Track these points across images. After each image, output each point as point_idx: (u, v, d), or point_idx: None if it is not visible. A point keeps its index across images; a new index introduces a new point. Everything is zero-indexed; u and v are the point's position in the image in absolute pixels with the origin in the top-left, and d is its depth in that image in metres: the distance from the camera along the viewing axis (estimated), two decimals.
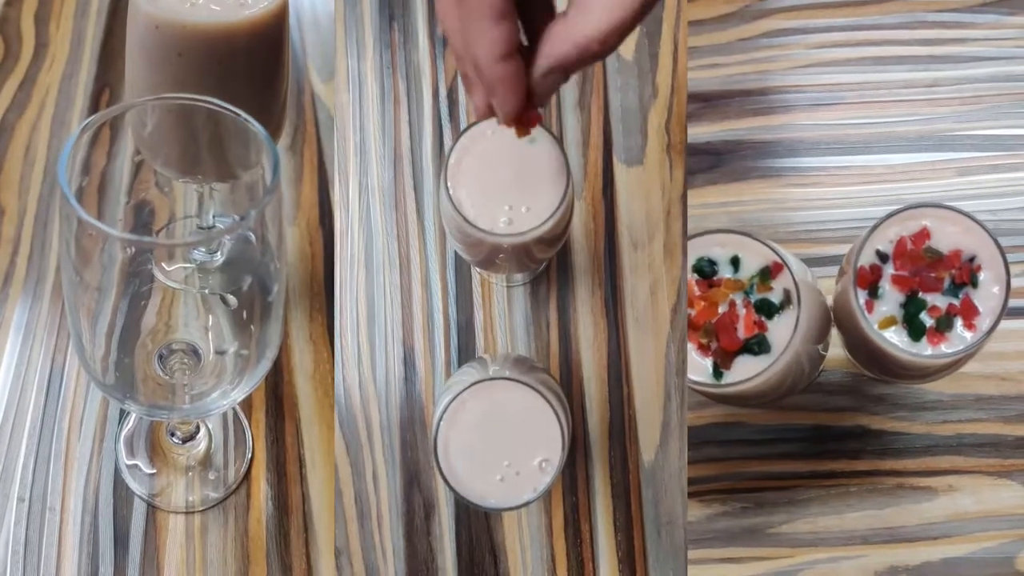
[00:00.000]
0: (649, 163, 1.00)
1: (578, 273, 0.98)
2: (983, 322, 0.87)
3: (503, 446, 0.82)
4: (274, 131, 0.85)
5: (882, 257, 0.89)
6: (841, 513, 0.95)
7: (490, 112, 0.73)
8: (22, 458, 0.85)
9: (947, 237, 0.89)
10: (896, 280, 0.88)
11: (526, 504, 0.81)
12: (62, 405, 0.87)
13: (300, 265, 0.94)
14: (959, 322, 0.87)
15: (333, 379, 0.89)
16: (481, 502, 0.81)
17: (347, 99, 1.01)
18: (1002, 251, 0.87)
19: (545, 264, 0.96)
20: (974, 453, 0.97)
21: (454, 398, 0.82)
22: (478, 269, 0.95)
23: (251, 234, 0.67)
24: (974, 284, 0.88)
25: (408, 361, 0.94)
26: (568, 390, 0.94)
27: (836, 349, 0.96)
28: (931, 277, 0.88)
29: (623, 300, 0.97)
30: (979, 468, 0.97)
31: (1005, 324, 0.97)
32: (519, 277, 0.96)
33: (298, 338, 0.91)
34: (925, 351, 0.87)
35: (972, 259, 0.89)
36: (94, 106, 1.00)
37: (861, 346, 0.90)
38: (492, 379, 0.82)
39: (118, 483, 0.84)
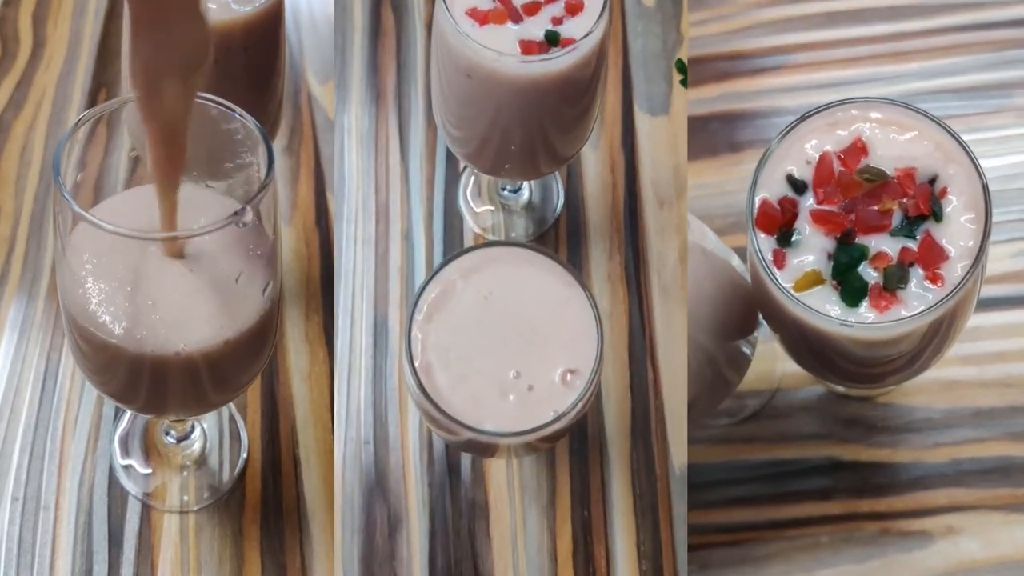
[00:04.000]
0: (676, 113, 0.90)
1: (593, 233, 0.86)
2: (953, 270, 0.62)
3: (510, 349, 0.62)
4: (269, 130, 0.86)
5: (796, 185, 0.64)
6: (810, 571, 0.78)
7: None
8: (16, 456, 0.86)
9: (893, 150, 0.64)
10: (819, 218, 0.63)
11: (542, 430, 0.61)
12: (57, 404, 0.88)
13: (296, 265, 0.95)
14: (918, 273, 0.63)
15: (329, 379, 0.89)
16: (477, 426, 0.61)
17: (327, 30, 0.94)
18: (976, 162, 0.64)
19: (553, 221, 0.87)
20: (977, 483, 0.80)
21: (439, 272, 0.63)
22: (470, 202, 0.84)
23: (242, 224, 0.67)
24: (937, 216, 0.63)
25: (379, 332, 0.83)
26: None
27: (794, 365, 0.75)
28: (872, 211, 0.63)
29: (647, 266, 0.85)
30: (984, 502, 0.80)
31: (1005, 317, 0.85)
32: (521, 225, 0.84)
33: (294, 338, 0.91)
34: (867, 319, 0.62)
35: (933, 179, 0.63)
36: (91, 106, 1.03)
37: (782, 327, 0.67)
38: (498, 245, 0.63)
39: (112, 482, 0.86)
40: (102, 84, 1.04)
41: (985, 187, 0.64)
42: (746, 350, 0.73)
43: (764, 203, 0.64)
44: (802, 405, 0.82)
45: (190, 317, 0.68)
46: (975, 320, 0.81)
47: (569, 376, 0.63)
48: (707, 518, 0.79)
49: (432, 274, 0.64)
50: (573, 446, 0.83)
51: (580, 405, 0.60)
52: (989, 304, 0.86)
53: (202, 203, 0.71)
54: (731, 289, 0.69)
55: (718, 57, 0.92)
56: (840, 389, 0.83)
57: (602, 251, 0.86)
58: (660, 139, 0.89)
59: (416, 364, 0.61)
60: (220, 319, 0.68)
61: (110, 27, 1.07)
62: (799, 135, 0.64)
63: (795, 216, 0.64)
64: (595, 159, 0.89)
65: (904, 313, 0.62)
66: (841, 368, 0.69)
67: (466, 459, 0.83)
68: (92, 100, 1.03)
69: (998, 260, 0.86)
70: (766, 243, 0.64)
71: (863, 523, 0.80)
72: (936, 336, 0.65)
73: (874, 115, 0.65)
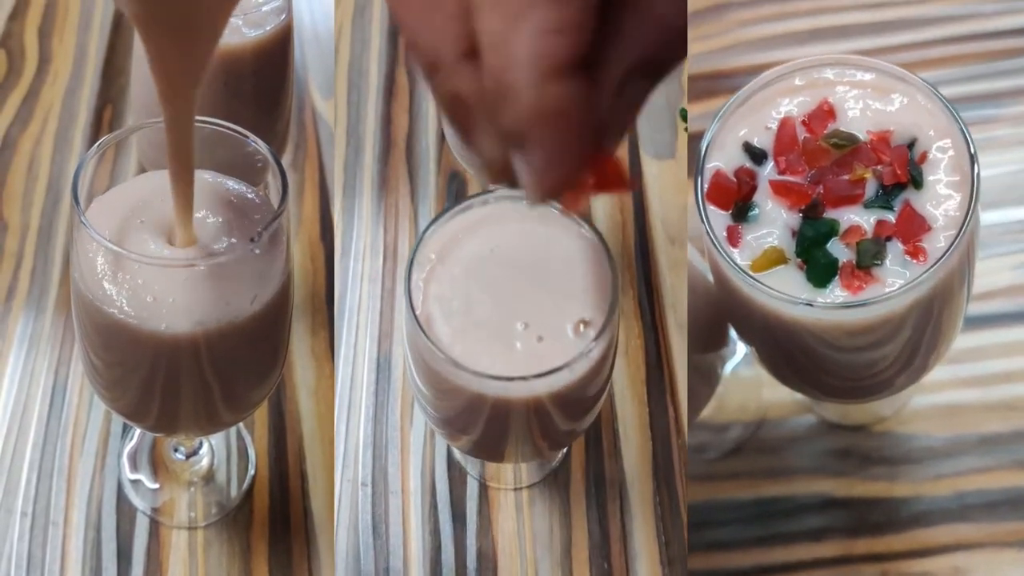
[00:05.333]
0: (682, 157, 0.90)
1: None
2: (936, 241, 0.55)
3: (518, 300, 0.59)
4: (277, 148, 0.86)
5: (755, 154, 0.57)
6: None
7: (507, 174, 0.43)
8: (25, 472, 0.86)
9: (865, 112, 0.57)
10: (781, 189, 0.56)
11: (551, 374, 0.56)
12: (65, 419, 0.88)
13: (301, 281, 0.95)
14: (897, 247, 0.55)
15: (335, 394, 0.89)
16: (484, 370, 0.57)
17: (344, 85, 0.96)
18: (960, 120, 0.57)
19: None
20: (984, 516, 0.73)
21: (441, 221, 0.58)
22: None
23: (256, 250, 0.67)
24: (917, 183, 0.55)
25: (381, 368, 0.83)
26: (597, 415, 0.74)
27: (782, 390, 0.68)
28: (842, 181, 0.55)
29: (662, 301, 0.83)
30: (993, 538, 0.72)
31: (1008, 335, 0.79)
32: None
33: (300, 353, 0.91)
34: (836, 300, 0.54)
35: (912, 143, 0.57)
36: (97, 122, 1.02)
37: (745, 322, 0.59)
38: (505, 198, 0.57)
39: (121, 498, 0.86)
40: (108, 100, 1.04)
41: (970, 145, 0.57)
42: (715, 364, 0.68)
43: (717, 174, 0.56)
44: (790, 436, 0.76)
45: (204, 301, 0.67)
46: (976, 339, 0.79)
47: (583, 327, 0.59)
48: (688, 564, 0.72)
49: (432, 220, 0.61)
50: (589, 489, 0.79)
51: (595, 353, 0.56)
52: (990, 321, 0.80)
53: (209, 187, 0.71)
54: (697, 291, 0.64)
55: (703, 76, 0.90)
56: (829, 415, 0.77)
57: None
58: (667, 181, 0.89)
59: (417, 314, 0.58)
60: (234, 303, 0.68)
61: (115, 42, 1.08)
62: (757, 101, 0.57)
63: (753, 189, 0.56)
64: (603, 199, 0.90)
65: (886, 292, 0.54)
66: (815, 375, 0.61)
67: (472, 503, 0.81)
68: (98, 116, 1.03)
69: (997, 273, 0.81)
70: (719, 219, 0.56)
71: (860, 566, 0.73)
72: (925, 327, 0.57)
73: (843, 76, 0.57)
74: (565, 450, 0.83)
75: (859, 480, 0.74)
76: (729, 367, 0.77)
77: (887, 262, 0.55)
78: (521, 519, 0.80)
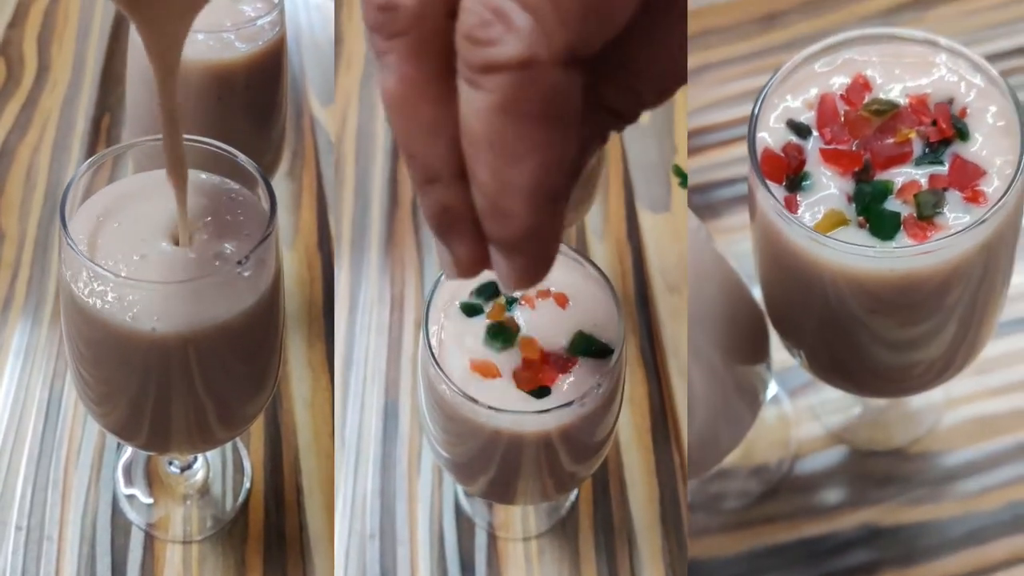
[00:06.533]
0: (677, 210, 0.93)
1: None
2: (992, 183, 0.55)
3: (528, 335, 0.61)
4: (272, 161, 0.86)
5: (799, 130, 0.58)
6: None
7: (482, 265, 0.49)
8: (20, 485, 0.85)
9: (899, 81, 0.58)
10: (831, 157, 0.56)
11: (562, 409, 0.58)
12: (60, 432, 0.87)
13: (298, 291, 0.94)
14: (955, 196, 0.55)
15: (332, 407, 0.88)
16: (499, 405, 0.59)
17: (352, 146, 0.98)
18: (992, 73, 0.58)
19: None
20: None
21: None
22: None
23: (245, 272, 0.66)
24: (963, 135, 0.56)
25: (389, 416, 0.83)
26: (603, 459, 0.72)
27: (812, 425, 0.68)
28: (888, 144, 0.56)
29: (663, 347, 0.85)
30: None
31: None
32: None
33: (296, 365, 0.90)
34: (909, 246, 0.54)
35: (950, 101, 0.57)
36: (95, 131, 1.01)
37: (802, 302, 0.59)
38: None
39: (116, 512, 0.85)
40: (106, 109, 1.03)
41: (1012, 93, 0.56)
42: (757, 386, 0.64)
43: (766, 150, 0.57)
44: (825, 471, 0.72)
45: (191, 314, 0.66)
46: (1002, 346, 0.75)
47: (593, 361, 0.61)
48: None
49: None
50: (598, 538, 0.79)
51: (604, 389, 0.58)
52: (1016, 327, 0.77)
53: (208, 188, 0.70)
54: (739, 295, 0.63)
55: (705, 130, 0.91)
56: (861, 441, 0.73)
57: None
58: (663, 232, 0.92)
59: (435, 353, 0.60)
60: (223, 306, 0.67)
61: (114, 50, 1.07)
62: (792, 80, 0.57)
63: (802, 162, 0.57)
64: (603, 251, 0.92)
65: (953, 229, 0.53)
66: (870, 360, 0.59)
67: (480, 554, 0.80)
68: (96, 126, 1.02)
69: (1018, 274, 0.76)
70: (777, 190, 0.56)
71: None
72: (983, 277, 0.56)
73: (873, 50, 0.58)
74: (573, 499, 0.82)
75: (903, 504, 0.71)
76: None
77: (946, 210, 0.55)
78: (530, 569, 0.79)
